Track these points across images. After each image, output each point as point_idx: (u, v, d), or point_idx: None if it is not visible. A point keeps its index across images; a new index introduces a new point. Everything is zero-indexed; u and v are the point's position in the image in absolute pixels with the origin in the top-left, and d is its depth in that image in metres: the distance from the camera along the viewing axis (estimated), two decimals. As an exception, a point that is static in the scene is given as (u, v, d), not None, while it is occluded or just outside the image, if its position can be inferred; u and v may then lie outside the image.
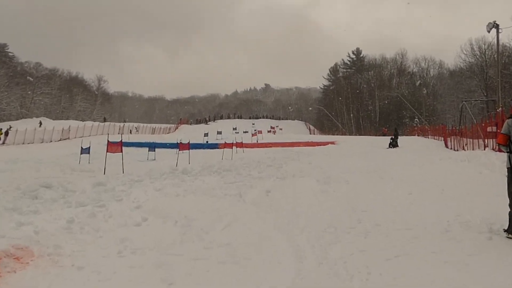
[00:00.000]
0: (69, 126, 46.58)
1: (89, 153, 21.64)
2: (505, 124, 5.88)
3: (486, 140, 18.81)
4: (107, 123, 60.03)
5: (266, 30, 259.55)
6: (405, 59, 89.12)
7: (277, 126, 79.91)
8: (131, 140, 36.58)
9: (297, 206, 8.46)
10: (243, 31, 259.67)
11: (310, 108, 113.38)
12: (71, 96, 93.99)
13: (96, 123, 57.49)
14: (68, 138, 43.59)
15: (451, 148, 25.32)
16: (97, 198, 9.41)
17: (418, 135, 48.25)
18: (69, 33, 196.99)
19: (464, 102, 41.31)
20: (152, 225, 7.04)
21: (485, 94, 60.64)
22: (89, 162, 20.25)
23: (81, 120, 69.97)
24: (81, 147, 22.33)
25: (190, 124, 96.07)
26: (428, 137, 41.04)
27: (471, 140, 21.76)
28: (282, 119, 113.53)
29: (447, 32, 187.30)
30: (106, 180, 12.61)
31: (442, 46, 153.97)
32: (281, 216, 7.58)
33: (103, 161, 15.99)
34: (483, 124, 20.16)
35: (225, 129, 61.64)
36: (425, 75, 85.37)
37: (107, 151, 16.45)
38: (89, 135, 46.25)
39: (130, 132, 52.61)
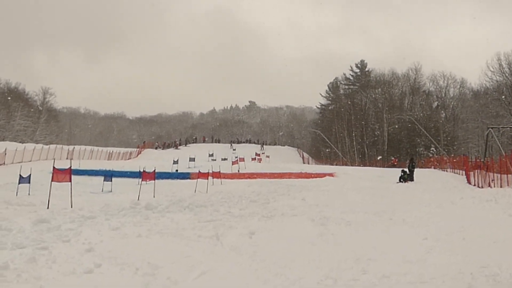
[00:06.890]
0: (5, 149, 45.88)
1: (29, 182, 21.33)
2: None
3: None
4: (53, 146, 59.42)
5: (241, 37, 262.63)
6: (420, 75, 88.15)
7: (264, 153, 79.61)
8: (82, 167, 36.25)
9: (287, 253, 8.43)
10: (217, 37, 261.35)
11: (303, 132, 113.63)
12: (9, 113, 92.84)
13: (39, 146, 56.82)
14: (4, 163, 42.98)
15: (474, 185, 25.50)
16: (39, 238, 9.27)
17: (434, 168, 48.63)
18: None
19: (490, 129, 41.84)
20: (107, 273, 6.95)
21: (516, 120, 61.26)
22: (29, 194, 19.95)
23: (20, 142, 69.15)
24: (20, 175, 22.02)
25: (156, 149, 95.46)
26: (446, 171, 41.34)
27: (499, 175, 21.98)
28: (270, 145, 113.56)
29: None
30: (50, 216, 12.44)
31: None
32: (268, 265, 7.55)
33: (47, 192, 15.80)
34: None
35: (199, 155, 61.24)
36: (443, 95, 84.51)
37: (52, 180, 16.26)
38: (30, 161, 45.69)
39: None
